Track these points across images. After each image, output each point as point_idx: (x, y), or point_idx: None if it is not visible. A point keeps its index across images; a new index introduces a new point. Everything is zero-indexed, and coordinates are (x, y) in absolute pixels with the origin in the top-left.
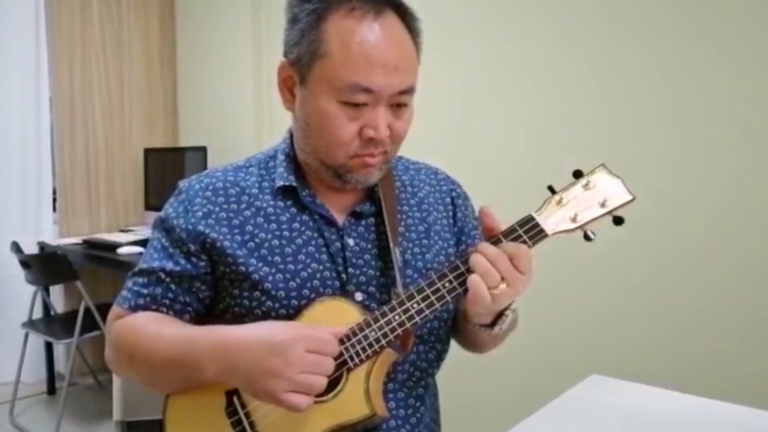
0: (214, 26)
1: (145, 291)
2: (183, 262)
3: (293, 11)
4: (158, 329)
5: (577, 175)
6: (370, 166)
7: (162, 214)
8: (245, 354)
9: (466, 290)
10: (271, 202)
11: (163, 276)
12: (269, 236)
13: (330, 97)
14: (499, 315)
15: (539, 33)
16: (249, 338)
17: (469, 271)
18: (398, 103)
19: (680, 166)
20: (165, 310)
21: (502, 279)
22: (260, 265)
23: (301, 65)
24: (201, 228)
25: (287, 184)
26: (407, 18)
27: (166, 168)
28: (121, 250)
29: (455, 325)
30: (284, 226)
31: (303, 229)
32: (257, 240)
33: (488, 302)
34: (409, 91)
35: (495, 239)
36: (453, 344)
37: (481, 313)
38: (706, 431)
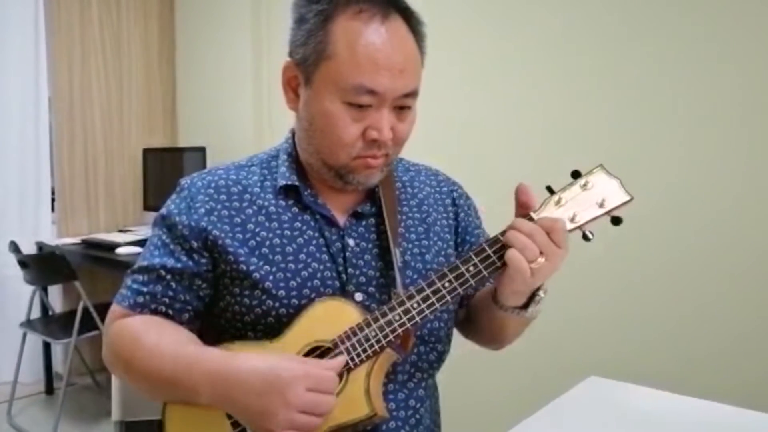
0: (214, 26)
1: (144, 289)
2: (184, 259)
3: (300, 12)
4: (156, 341)
5: (576, 175)
6: (372, 168)
7: (163, 210)
8: (243, 386)
9: (466, 289)
10: (273, 201)
11: (163, 273)
12: (270, 235)
13: (335, 98)
14: (531, 297)
15: (539, 33)
16: (247, 371)
17: (469, 270)
18: (402, 106)
19: (679, 167)
20: (164, 308)
21: (541, 253)
22: (261, 263)
23: (307, 66)
24: (203, 224)
25: (289, 183)
26: (412, 22)
27: (165, 168)
28: (120, 250)
29: (476, 317)
30: (285, 226)
31: (304, 228)
32: (258, 239)
33: (528, 276)
34: (413, 94)
35: (494, 239)
36: (453, 345)
37: (519, 291)
38: None
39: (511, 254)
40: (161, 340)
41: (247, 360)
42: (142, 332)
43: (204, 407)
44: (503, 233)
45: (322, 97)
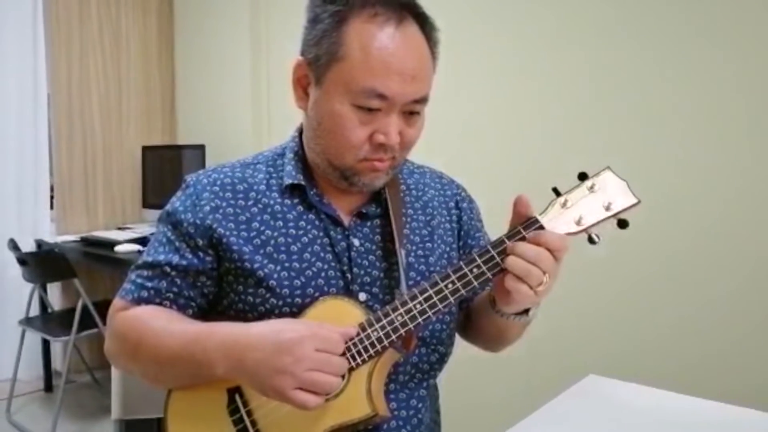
0: (213, 24)
1: (149, 284)
2: (190, 256)
3: (315, 11)
4: (166, 324)
5: (583, 177)
6: (378, 171)
7: (168, 207)
8: (254, 351)
9: (469, 291)
10: (279, 200)
11: (168, 270)
12: (275, 233)
13: (344, 99)
14: None
15: (540, 33)
16: (258, 335)
17: (472, 271)
18: (411, 111)
19: (680, 166)
20: (168, 304)
21: (544, 272)
22: (265, 262)
23: (318, 65)
24: (209, 222)
25: (295, 182)
26: (427, 28)
27: (164, 166)
28: (119, 248)
29: (476, 322)
30: (290, 224)
31: (309, 227)
32: (263, 237)
33: (533, 299)
34: (423, 100)
35: (498, 241)
36: (454, 346)
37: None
38: (703, 431)
39: (515, 284)
40: (170, 323)
41: (257, 326)
42: (149, 317)
43: (206, 402)
44: (508, 235)
45: (331, 98)
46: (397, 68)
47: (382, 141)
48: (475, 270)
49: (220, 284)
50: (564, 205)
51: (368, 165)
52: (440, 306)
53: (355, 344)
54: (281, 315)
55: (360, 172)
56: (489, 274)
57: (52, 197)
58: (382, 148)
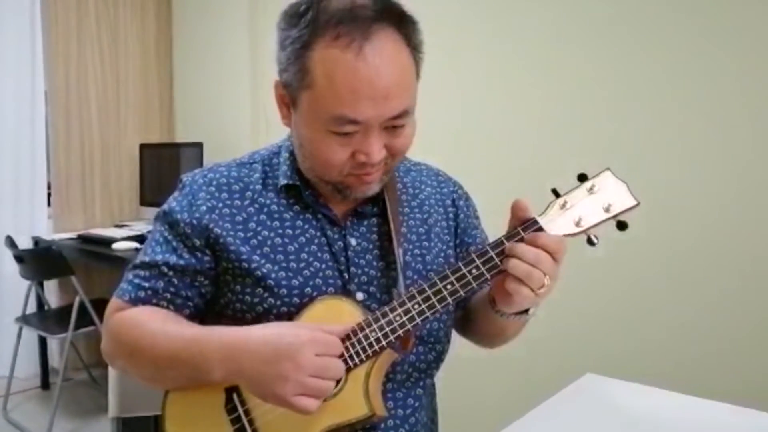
0: (211, 21)
1: (146, 284)
2: (187, 256)
3: (282, 35)
4: (163, 326)
5: (582, 178)
6: (368, 183)
7: (165, 207)
8: (253, 357)
9: (467, 292)
10: (275, 199)
11: (165, 270)
12: (272, 233)
13: (318, 126)
14: None
15: (540, 32)
16: (256, 341)
17: (471, 272)
18: (394, 126)
19: (678, 168)
20: (166, 304)
21: (545, 274)
22: (263, 261)
23: (291, 90)
24: (205, 222)
25: (291, 182)
26: (407, 30)
27: (161, 163)
28: (116, 246)
29: (474, 320)
30: (287, 224)
31: (306, 227)
32: (260, 237)
33: (534, 300)
34: (404, 114)
35: (498, 242)
36: (451, 344)
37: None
38: (700, 430)
39: (516, 287)
40: (166, 324)
41: (255, 330)
42: (146, 319)
43: (203, 403)
44: (507, 236)
45: (306, 124)
46: (366, 92)
47: (363, 161)
48: (473, 271)
49: (217, 284)
50: (563, 206)
51: (356, 179)
52: (438, 307)
53: (353, 345)
54: (279, 315)
55: (350, 186)
56: (487, 275)
57: (49, 194)
58: (367, 164)
